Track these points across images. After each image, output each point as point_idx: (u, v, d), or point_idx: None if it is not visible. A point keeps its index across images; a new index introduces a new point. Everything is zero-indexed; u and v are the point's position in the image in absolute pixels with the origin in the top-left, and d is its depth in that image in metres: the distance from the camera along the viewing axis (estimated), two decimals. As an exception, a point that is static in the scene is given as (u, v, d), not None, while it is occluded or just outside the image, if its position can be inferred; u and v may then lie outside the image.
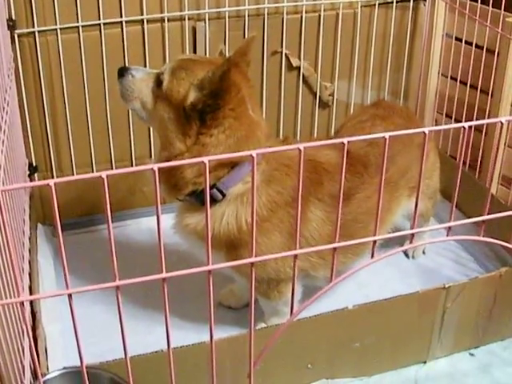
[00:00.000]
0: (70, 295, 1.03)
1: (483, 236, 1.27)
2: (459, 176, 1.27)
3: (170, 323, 1.14)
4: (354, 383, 2.00)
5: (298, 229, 1.15)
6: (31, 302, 1.90)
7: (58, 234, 0.97)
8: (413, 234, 1.25)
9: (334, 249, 1.18)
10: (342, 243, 1.18)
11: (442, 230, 2.31)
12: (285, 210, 1.84)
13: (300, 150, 1.03)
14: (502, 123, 1.22)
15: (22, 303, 1.03)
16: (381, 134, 1.11)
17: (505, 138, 2.54)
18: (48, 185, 0.92)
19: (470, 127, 1.19)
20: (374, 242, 1.20)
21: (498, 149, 1.51)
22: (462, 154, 1.25)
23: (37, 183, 0.94)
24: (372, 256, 1.20)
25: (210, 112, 1.73)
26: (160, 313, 2.14)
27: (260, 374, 1.31)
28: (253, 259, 1.11)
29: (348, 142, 1.08)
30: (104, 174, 0.95)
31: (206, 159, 0.98)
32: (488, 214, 1.29)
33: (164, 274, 1.06)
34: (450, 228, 1.26)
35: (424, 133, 1.14)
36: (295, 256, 1.17)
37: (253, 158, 1.01)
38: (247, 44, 1.89)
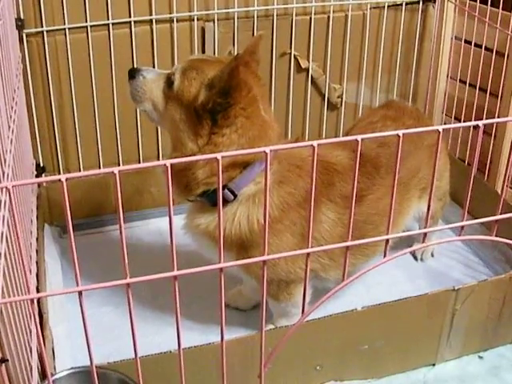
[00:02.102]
0: (80, 292, 1.03)
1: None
2: (472, 175, 1.26)
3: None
4: (363, 385, 1.99)
5: (311, 226, 1.14)
6: (39, 304, 1.89)
7: (69, 229, 0.96)
8: (425, 234, 1.24)
9: (347, 247, 1.17)
10: (355, 241, 1.17)
11: (450, 233, 2.33)
12: (296, 211, 1.83)
13: (314, 147, 1.03)
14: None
15: (32, 300, 1.03)
16: (394, 132, 1.10)
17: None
18: (60, 180, 0.91)
19: (482, 126, 1.18)
20: (387, 241, 1.19)
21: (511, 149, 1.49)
22: (474, 153, 1.24)
23: (48, 178, 0.93)
24: (384, 255, 1.19)
25: (221, 111, 1.72)
26: (167, 314, 2.15)
27: (268, 375, 1.30)
28: (265, 257, 1.10)
29: (362, 139, 1.07)
30: (116, 170, 0.94)
31: (219, 155, 0.97)
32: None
33: (176, 272, 1.05)
34: (462, 227, 1.24)
35: (438, 131, 1.13)
36: (308, 255, 1.16)
37: (266, 154, 1.00)
38: (256, 42, 1.89)
